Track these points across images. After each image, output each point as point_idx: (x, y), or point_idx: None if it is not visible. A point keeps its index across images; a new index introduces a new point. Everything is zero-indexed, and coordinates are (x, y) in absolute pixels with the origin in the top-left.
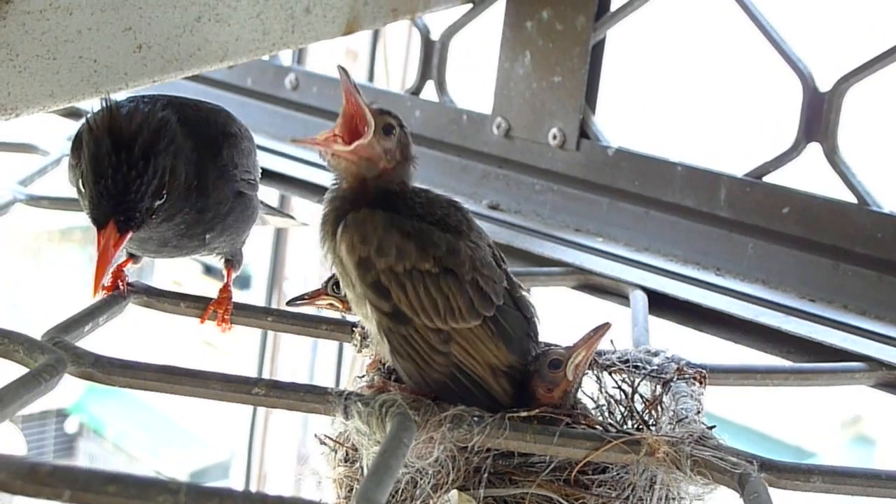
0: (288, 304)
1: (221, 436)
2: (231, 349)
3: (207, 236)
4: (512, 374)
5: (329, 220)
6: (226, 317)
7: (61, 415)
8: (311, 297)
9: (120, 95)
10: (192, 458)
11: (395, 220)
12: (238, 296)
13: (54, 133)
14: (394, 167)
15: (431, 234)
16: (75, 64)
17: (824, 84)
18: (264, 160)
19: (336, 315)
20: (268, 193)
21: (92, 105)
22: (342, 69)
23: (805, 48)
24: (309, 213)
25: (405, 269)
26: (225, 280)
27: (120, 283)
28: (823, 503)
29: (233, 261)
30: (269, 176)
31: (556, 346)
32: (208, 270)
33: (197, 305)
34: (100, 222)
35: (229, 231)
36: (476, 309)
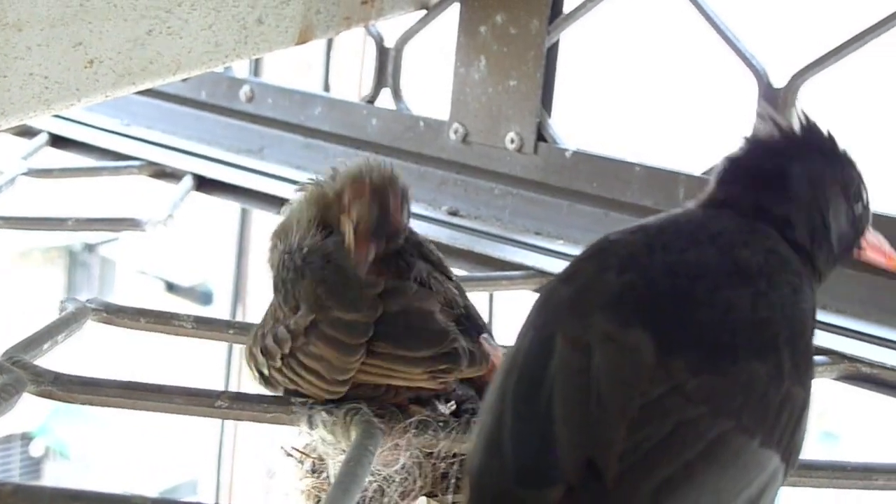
0: None
1: (189, 454)
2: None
3: None
4: None
5: None
6: None
7: (26, 438)
8: None
9: (72, 111)
10: (159, 477)
11: None
12: (200, 312)
13: (7, 152)
14: None
15: None
16: (26, 81)
17: (779, 80)
18: (221, 173)
19: None
20: (228, 207)
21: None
22: None
23: (759, 45)
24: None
25: None
26: None
27: None
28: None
29: None
30: (228, 189)
31: None
32: (171, 288)
33: (157, 321)
34: None
35: None
36: None
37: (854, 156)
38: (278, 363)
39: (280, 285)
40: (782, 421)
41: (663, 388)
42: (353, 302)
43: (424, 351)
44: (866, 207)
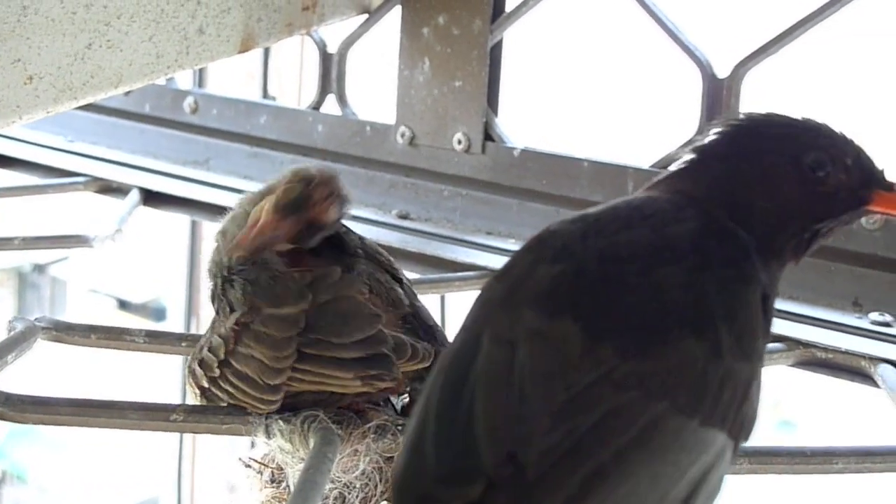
0: None
1: (148, 472)
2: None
3: None
4: None
5: None
6: None
7: None
8: None
9: (13, 129)
10: (119, 497)
11: None
12: (154, 328)
13: None
14: None
15: None
16: None
17: (722, 70)
18: (168, 186)
19: None
20: (177, 219)
21: None
22: None
23: (701, 36)
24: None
25: None
26: None
27: None
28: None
29: None
30: (176, 202)
31: None
32: (123, 305)
33: (109, 336)
34: None
35: None
36: None
37: (814, 125)
38: (216, 372)
39: (213, 296)
40: (724, 398)
41: (591, 377)
42: (283, 296)
43: (356, 335)
44: (844, 169)
